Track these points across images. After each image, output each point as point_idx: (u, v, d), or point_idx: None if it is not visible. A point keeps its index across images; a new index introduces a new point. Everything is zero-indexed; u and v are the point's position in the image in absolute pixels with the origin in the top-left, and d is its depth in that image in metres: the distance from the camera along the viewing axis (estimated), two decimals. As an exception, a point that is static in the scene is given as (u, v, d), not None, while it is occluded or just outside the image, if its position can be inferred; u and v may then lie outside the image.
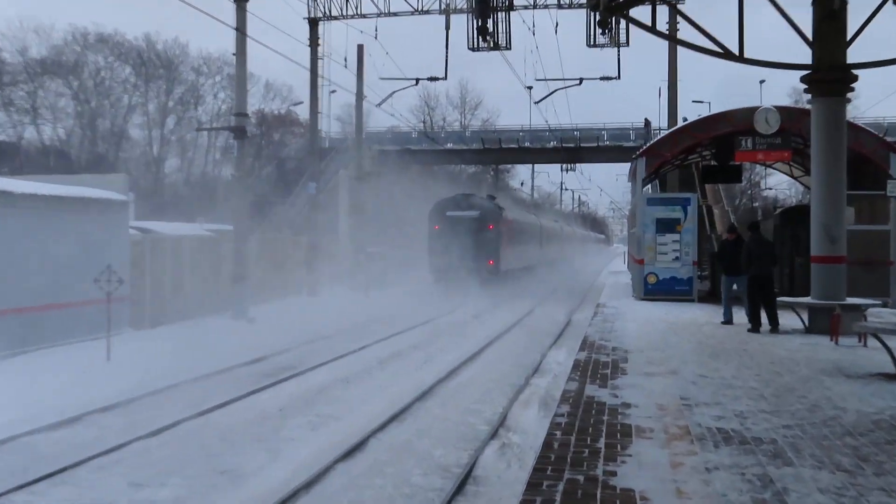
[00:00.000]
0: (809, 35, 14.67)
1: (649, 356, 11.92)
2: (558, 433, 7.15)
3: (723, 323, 16.60)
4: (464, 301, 28.35)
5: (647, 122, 51.46)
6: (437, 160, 49.78)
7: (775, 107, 21.97)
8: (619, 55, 29.43)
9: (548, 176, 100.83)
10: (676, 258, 22.63)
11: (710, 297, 23.04)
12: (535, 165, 75.73)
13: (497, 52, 26.32)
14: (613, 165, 79.80)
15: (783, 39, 20.37)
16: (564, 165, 60.29)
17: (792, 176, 31.95)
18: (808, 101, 15.25)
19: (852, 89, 14.70)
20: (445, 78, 31.76)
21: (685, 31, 26.46)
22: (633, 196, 27.98)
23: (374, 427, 10.12)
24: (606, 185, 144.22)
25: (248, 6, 21.93)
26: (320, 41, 28.89)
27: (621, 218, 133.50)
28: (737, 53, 14.77)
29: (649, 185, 37.69)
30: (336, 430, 10.26)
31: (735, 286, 16.65)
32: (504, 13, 26.66)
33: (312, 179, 29.48)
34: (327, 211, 38.17)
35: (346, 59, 30.75)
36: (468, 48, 26.58)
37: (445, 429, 10.32)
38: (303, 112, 58.92)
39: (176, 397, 12.29)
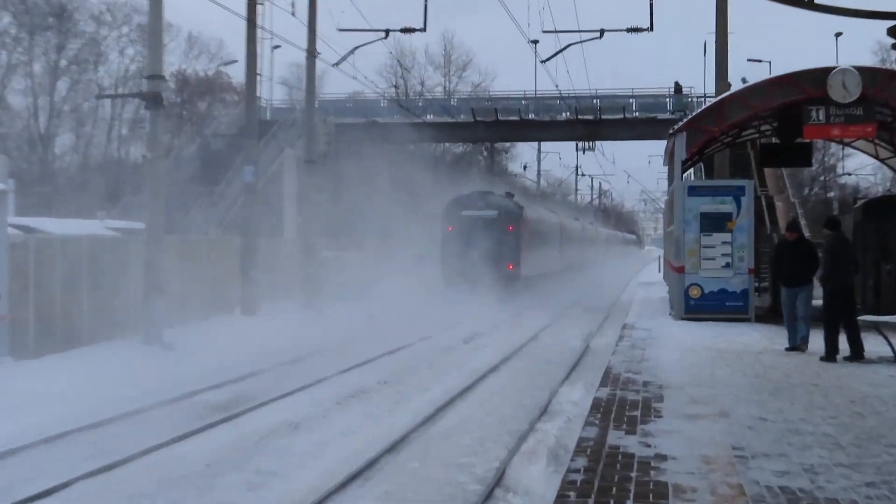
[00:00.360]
0: (899, -26, 14.77)
1: (692, 393, 11.95)
2: (572, 494, 7.15)
3: (787, 349, 16.67)
4: (451, 320, 28.46)
5: (679, 87, 51.66)
6: (413, 136, 49.83)
7: (855, 67, 22.11)
8: (651, 0, 29.49)
9: (559, 157, 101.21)
10: (727, 265, 22.74)
11: (771, 315, 23.16)
12: (543, 143, 76.01)
13: (492, -4, 26.35)
14: (645, 144, 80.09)
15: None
16: (581, 143, 60.55)
17: (877, 157, 32.12)
18: (898, 60, 15.34)
19: (955, 45, 14.81)
20: (424, 29, 31.87)
21: (738, -31, 26.65)
22: (671, 184, 28.07)
23: (330, 488, 10.08)
24: (636, 170, 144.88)
25: (165, -66, 21.88)
26: (260, -20, 28.85)
27: (655, 212, 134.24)
28: (805, -2, 14.84)
29: (691, 170, 37.80)
30: (280, 493, 10.21)
31: (798, 301, 16.72)
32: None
33: (249, 162, 29.39)
34: (269, 203, 38.10)
35: (293, 5, 30.77)
36: (454, -10, 26.56)
37: (424, 491, 10.30)
38: (237, 74, 58.96)
39: (68, 448, 12.20)
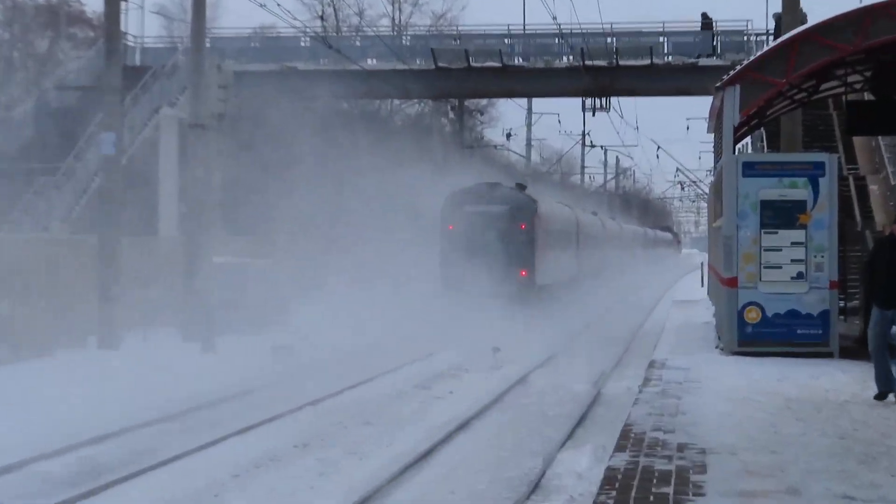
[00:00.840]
0: None
1: (747, 461, 11.95)
2: None
3: (876, 397, 16.74)
4: (408, 352, 28.71)
5: (708, 21, 51.72)
6: (347, 90, 49.69)
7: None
8: None
9: (557, 121, 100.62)
10: (799, 275, 22.75)
11: (863, 347, 23.21)
12: (534, 101, 76.00)
13: None
14: (681, 102, 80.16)
15: None
16: (589, 101, 60.51)
17: None
18: None
19: None
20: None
21: None
22: (718, 159, 28.11)
23: None
24: (669, 140, 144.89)
25: None
26: None
27: (696, 200, 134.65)
28: None
29: (748, 140, 37.80)
30: None
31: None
32: None
33: (110, 128, 29.22)
34: (139, 186, 37.84)
35: None
36: None
37: None
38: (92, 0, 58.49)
39: None
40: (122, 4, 29.85)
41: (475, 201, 40.28)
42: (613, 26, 52.29)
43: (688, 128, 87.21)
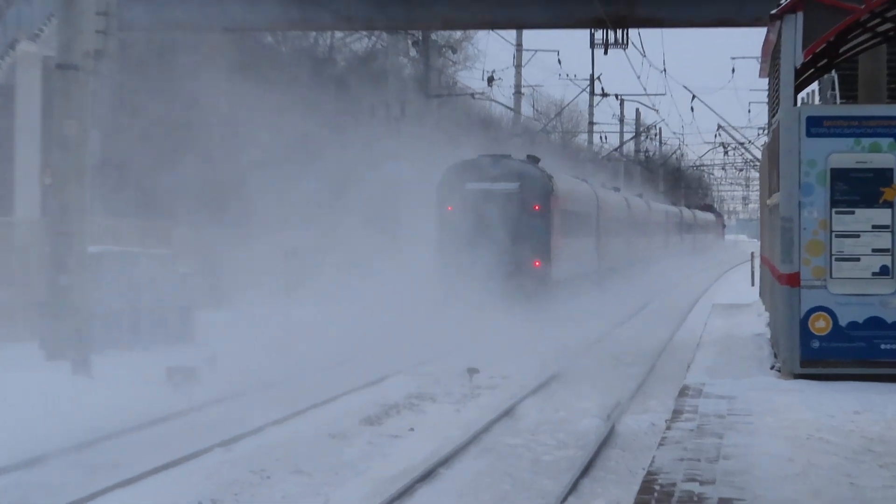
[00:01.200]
0: None
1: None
2: None
3: None
4: (358, 374, 28.87)
5: None
6: (272, 17, 49.58)
7: None
8: None
9: (557, 61, 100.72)
10: (883, 270, 22.73)
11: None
12: (526, 34, 76.10)
13: None
14: (724, 36, 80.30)
15: None
16: (600, 34, 60.59)
17: None
18: None
19: None
20: None
21: None
22: (773, 114, 28.07)
23: None
24: (707, 89, 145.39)
25: None
26: None
27: (744, 169, 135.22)
28: None
29: (814, 86, 37.81)
30: None
31: None
32: None
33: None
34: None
35: None
36: None
37: None
38: None
39: None
40: None
41: (479, 177, 42.57)
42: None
43: (733, 70, 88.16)
